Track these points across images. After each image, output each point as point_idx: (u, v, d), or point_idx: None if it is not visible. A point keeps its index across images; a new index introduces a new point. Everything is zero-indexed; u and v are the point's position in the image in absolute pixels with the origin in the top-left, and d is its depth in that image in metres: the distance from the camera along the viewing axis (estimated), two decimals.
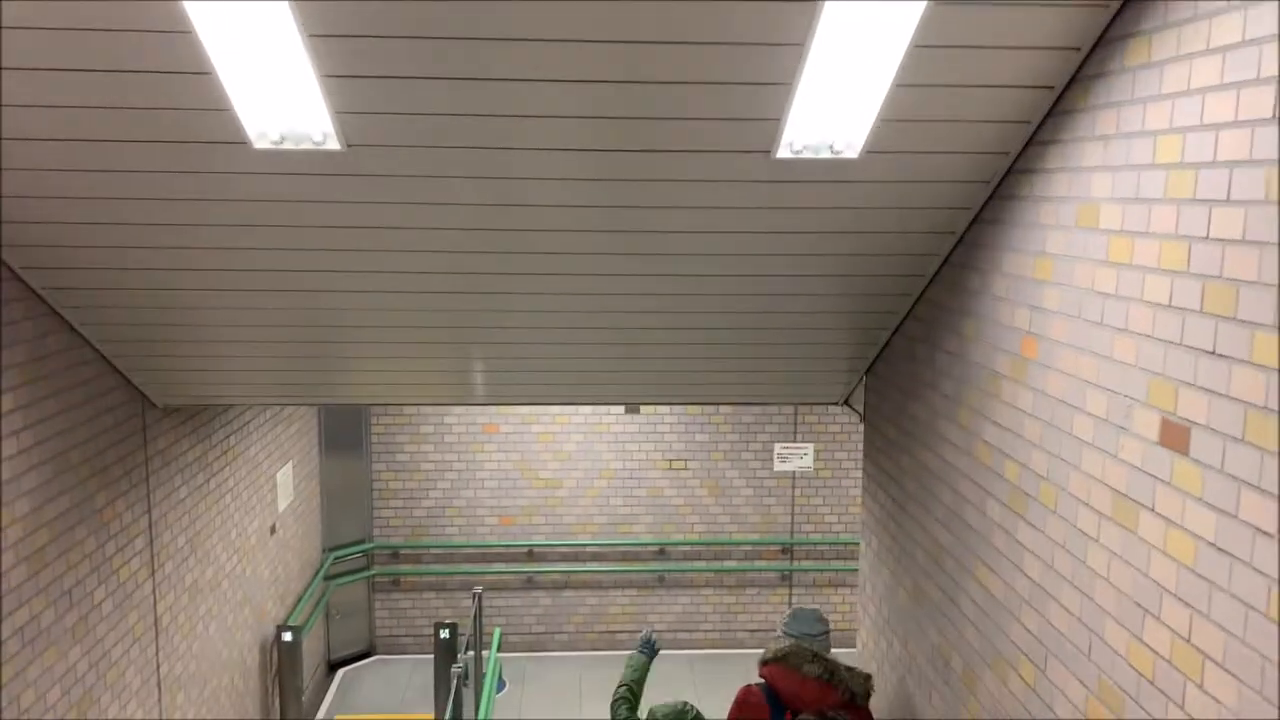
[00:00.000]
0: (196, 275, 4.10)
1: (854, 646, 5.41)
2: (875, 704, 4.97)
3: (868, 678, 4.22)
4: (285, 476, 7.92)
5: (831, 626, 4.55)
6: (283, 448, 7.85)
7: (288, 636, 7.36)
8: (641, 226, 3.82)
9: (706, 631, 9.75)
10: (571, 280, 4.22)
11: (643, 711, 4.49)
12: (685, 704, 4.39)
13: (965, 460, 3.83)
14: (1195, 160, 2.40)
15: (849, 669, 4.22)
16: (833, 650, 4.42)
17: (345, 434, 9.26)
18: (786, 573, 9.70)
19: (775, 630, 4.50)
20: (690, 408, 9.42)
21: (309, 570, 8.71)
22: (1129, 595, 2.68)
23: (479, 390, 5.63)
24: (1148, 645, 2.59)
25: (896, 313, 4.47)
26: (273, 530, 7.59)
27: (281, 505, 7.83)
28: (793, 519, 9.64)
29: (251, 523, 7.09)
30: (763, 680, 4.30)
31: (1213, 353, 2.33)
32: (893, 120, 3.18)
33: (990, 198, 3.60)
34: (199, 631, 6.07)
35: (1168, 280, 2.51)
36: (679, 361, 4.97)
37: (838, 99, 3.09)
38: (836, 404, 5.49)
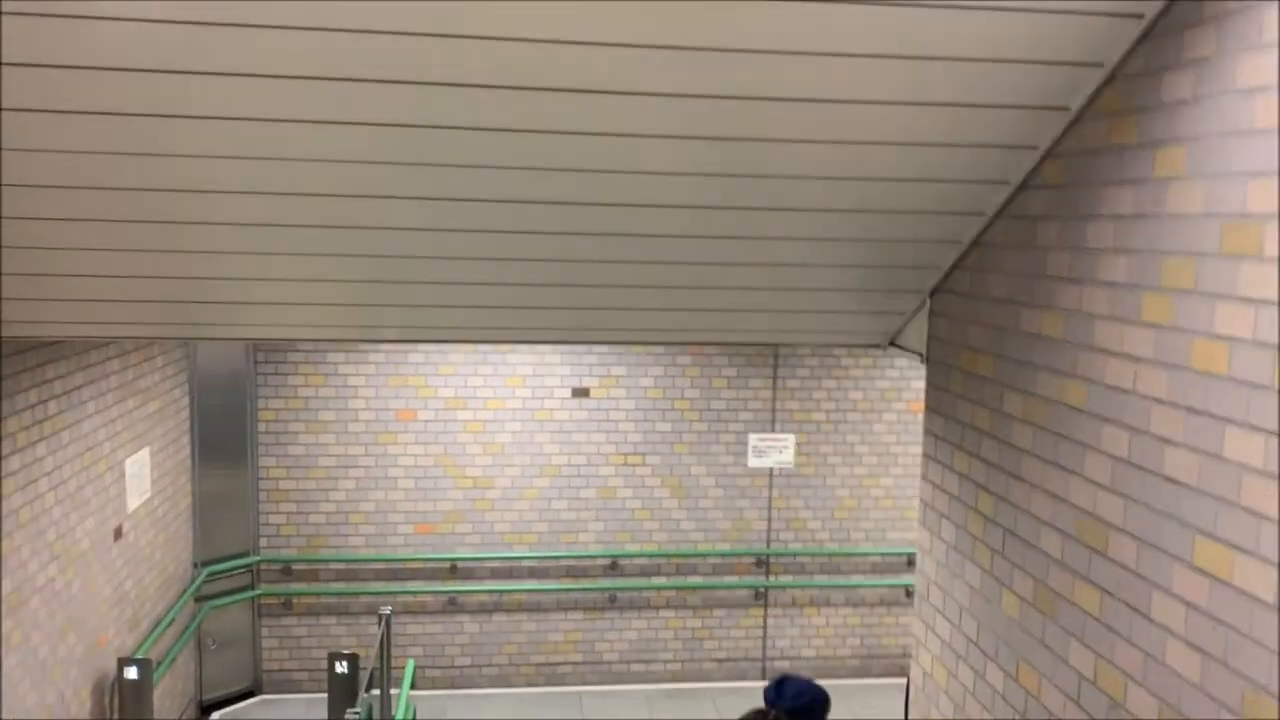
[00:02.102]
0: None
1: (900, 676, 3.91)
2: None
3: None
4: (139, 466, 6.22)
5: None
6: (135, 428, 6.15)
7: (132, 673, 5.67)
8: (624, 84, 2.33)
9: (666, 662, 8.53)
10: (532, 178, 2.75)
11: None
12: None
13: (1161, 378, 2.39)
14: None
15: None
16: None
17: (224, 419, 7.65)
18: (762, 590, 8.52)
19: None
20: (651, 391, 8.09)
21: (173, 588, 7.02)
22: None
23: (390, 321, 4.08)
24: None
25: (1006, 182, 3.03)
26: (118, 534, 5.89)
27: (133, 503, 6.13)
28: (770, 525, 8.37)
29: (83, 522, 5.40)
30: None
31: None
32: None
33: None
34: None
35: None
36: (655, 273, 3.49)
37: None
38: (879, 346, 4.03)
